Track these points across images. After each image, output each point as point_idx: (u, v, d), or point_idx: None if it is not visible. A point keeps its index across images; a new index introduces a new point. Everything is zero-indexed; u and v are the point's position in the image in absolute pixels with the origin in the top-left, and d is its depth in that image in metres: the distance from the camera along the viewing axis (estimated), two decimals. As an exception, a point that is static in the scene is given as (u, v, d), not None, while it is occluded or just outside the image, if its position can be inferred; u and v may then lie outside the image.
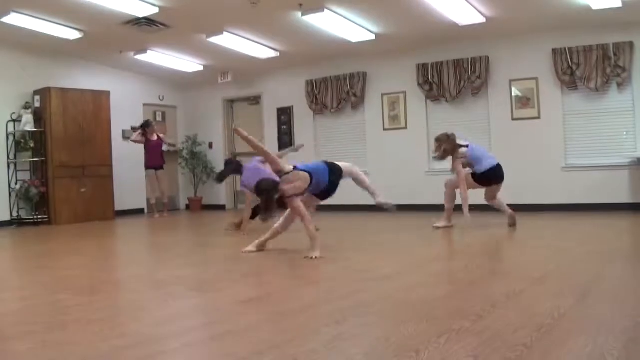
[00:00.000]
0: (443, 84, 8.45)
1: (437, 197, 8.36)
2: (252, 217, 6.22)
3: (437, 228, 6.07)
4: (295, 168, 4.58)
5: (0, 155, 8.39)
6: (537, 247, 4.84)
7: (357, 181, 4.97)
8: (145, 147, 9.56)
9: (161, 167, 9.70)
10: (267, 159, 4.72)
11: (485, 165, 5.90)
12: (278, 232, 4.75)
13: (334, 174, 4.74)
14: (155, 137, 9.62)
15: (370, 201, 8.69)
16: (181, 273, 4.12)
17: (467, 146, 5.94)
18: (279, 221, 4.73)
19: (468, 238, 5.39)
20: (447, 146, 5.88)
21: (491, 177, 5.90)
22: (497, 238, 5.49)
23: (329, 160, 4.95)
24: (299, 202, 4.46)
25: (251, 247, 4.76)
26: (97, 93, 9.15)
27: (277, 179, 4.56)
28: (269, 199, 4.39)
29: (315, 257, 4.28)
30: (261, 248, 4.76)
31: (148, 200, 10.09)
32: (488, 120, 8.24)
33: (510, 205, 5.97)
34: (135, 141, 9.51)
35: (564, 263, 3.93)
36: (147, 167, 9.63)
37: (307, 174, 4.54)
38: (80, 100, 8.92)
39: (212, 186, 10.86)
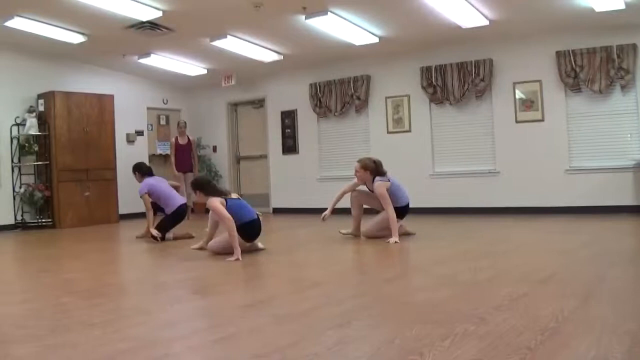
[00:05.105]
0: (447, 86, 8.44)
1: (441, 200, 8.42)
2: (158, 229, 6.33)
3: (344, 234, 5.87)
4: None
5: (5, 159, 8.41)
6: (540, 249, 4.82)
7: None
8: (175, 150, 9.36)
9: (189, 171, 9.35)
10: None
11: (402, 202, 5.74)
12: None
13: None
14: (185, 140, 9.42)
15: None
16: (184, 276, 4.13)
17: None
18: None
19: (470, 241, 5.38)
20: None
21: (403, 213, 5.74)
22: (500, 241, 5.48)
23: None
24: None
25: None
26: (100, 96, 9.18)
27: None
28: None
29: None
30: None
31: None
32: (492, 123, 8.23)
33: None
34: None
35: (567, 265, 3.91)
36: (177, 170, 9.33)
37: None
38: (84, 104, 8.95)
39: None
